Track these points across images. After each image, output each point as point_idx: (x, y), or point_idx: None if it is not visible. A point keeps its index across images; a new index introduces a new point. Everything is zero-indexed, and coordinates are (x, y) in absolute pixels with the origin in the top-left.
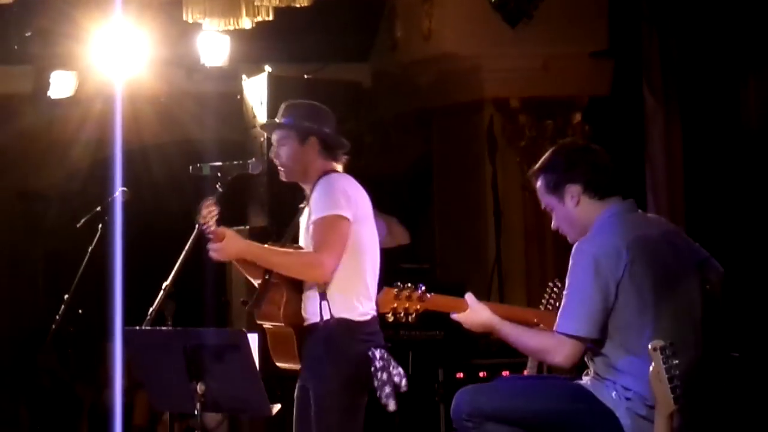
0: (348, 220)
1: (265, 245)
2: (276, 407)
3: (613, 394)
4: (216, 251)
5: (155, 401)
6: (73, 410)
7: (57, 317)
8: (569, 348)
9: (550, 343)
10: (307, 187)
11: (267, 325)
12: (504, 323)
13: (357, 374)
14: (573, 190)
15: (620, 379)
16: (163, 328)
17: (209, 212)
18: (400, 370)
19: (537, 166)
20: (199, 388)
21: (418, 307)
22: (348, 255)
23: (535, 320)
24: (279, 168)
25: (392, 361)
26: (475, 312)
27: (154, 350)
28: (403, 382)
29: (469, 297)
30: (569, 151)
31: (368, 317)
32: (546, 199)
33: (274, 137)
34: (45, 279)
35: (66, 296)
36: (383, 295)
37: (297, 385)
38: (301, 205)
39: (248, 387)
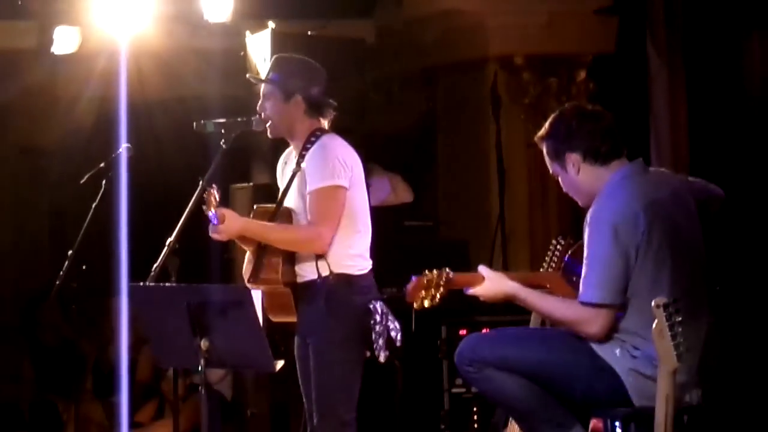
0: (345, 188)
1: (264, 222)
2: (279, 363)
3: (617, 351)
4: (217, 233)
5: (159, 357)
6: (77, 366)
7: (61, 273)
8: (601, 318)
9: (584, 315)
10: (295, 144)
11: (263, 287)
12: (531, 292)
13: (358, 326)
14: (573, 158)
15: (630, 340)
16: (167, 284)
17: (214, 198)
18: (397, 324)
19: (540, 132)
20: (203, 344)
21: (442, 290)
22: (344, 217)
23: (548, 285)
24: (264, 121)
25: (390, 314)
26: (494, 281)
27: (158, 306)
28: (398, 336)
29: (482, 268)
30: (569, 118)
31: (365, 271)
32: (552, 166)
33: (262, 90)
34: (49, 235)
35: (70, 252)
36: (413, 285)
37: (296, 343)
38: (293, 168)
39: (252, 343)
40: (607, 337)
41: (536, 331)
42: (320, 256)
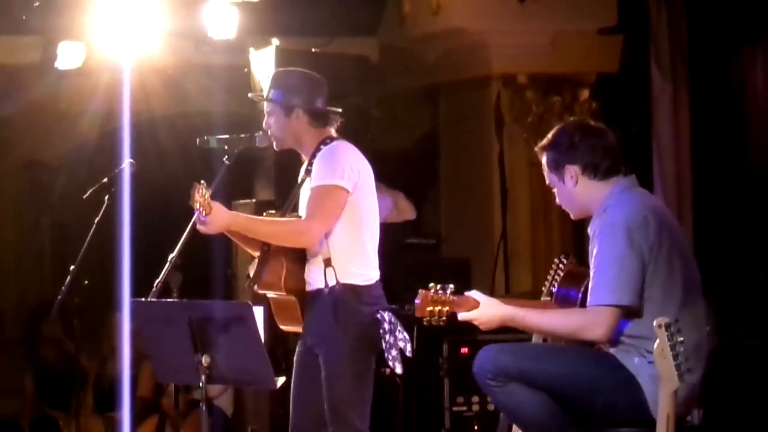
0: (346, 191)
1: (253, 216)
2: (280, 380)
3: (636, 359)
4: (203, 224)
5: (160, 373)
6: (78, 381)
7: (62, 288)
8: (612, 319)
9: (587, 319)
10: (305, 155)
11: (270, 294)
12: (527, 311)
13: (367, 337)
14: (572, 170)
15: (645, 345)
16: (169, 299)
17: (201, 195)
18: (406, 334)
19: (542, 142)
20: (204, 360)
21: (447, 308)
22: (350, 223)
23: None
24: (270, 136)
25: (399, 324)
26: (490, 306)
27: (159, 322)
28: (408, 346)
29: (476, 293)
30: (572, 131)
31: (373, 281)
32: (549, 177)
33: (264, 107)
34: (51, 250)
35: (72, 267)
36: (422, 298)
37: (298, 350)
38: (301, 177)
39: (253, 360)
40: (621, 344)
41: (555, 345)
42: (328, 263)
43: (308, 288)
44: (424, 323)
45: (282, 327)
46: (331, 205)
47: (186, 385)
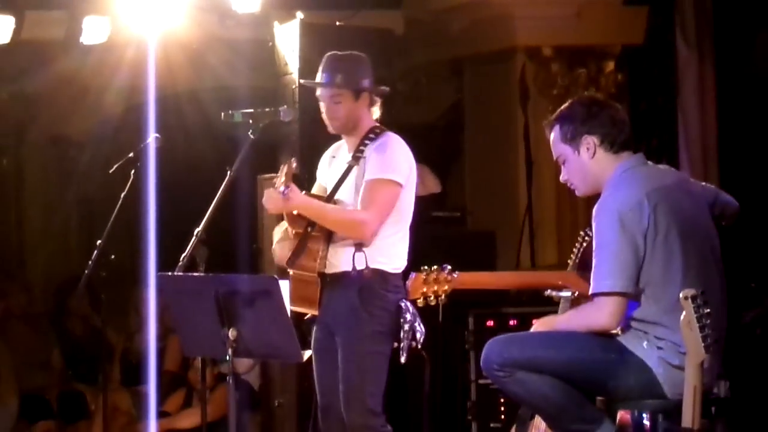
0: (401, 186)
1: (322, 202)
2: (307, 353)
3: (645, 344)
4: (277, 201)
5: (187, 347)
6: (105, 355)
7: (89, 263)
8: (610, 306)
9: (590, 310)
10: (351, 140)
11: (294, 272)
12: (553, 318)
13: (389, 323)
14: (590, 140)
15: (653, 330)
16: (196, 273)
17: (291, 169)
18: (422, 327)
19: (554, 115)
20: (231, 334)
21: (446, 287)
22: (392, 215)
23: (560, 282)
24: (329, 121)
25: (418, 316)
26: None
27: (186, 296)
28: (422, 339)
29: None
30: (589, 102)
31: (399, 271)
32: (560, 149)
33: (325, 93)
34: (78, 225)
35: (98, 242)
36: (413, 281)
37: (317, 335)
38: (349, 162)
39: (279, 333)
40: (629, 330)
41: (562, 332)
42: (359, 249)
43: (332, 270)
44: (418, 304)
45: (294, 308)
46: (388, 199)
47: (213, 359)
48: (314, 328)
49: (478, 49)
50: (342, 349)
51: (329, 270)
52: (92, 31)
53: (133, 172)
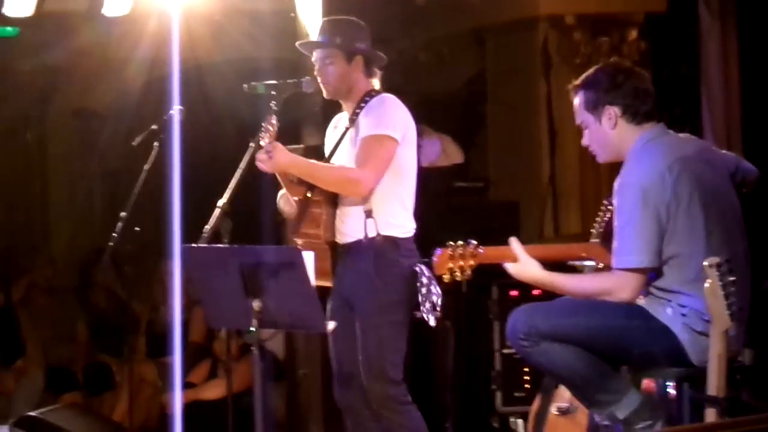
0: (396, 141)
1: (311, 160)
2: (331, 324)
3: (669, 310)
4: (264, 162)
5: (212, 318)
6: (130, 327)
7: (114, 235)
8: (634, 282)
9: (612, 282)
10: (348, 105)
11: (301, 241)
12: (555, 276)
13: (405, 289)
14: (611, 111)
15: (676, 298)
16: (220, 245)
17: (270, 128)
18: (439, 289)
19: (578, 81)
20: (256, 305)
21: (472, 262)
22: (392, 175)
23: (583, 254)
24: (322, 85)
25: (433, 278)
26: (523, 266)
27: (211, 267)
28: (439, 301)
29: (515, 245)
30: (614, 71)
31: (410, 234)
32: (583, 116)
33: (318, 55)
34: (101, 197)
35: (123, 214)
36: (439, 257)
37: (332, 306)
38: (346, 126)
39: (304, 304)
40: (651, 297)
41: (586, 300)
42: (369, 215)
43: (344, 240)
44: (444, 280)
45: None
46: (383, 155)
47: (237, 330)
48: (329, 298)
49: (500, 19)
50: (359, 320)
51: (340, 240)
52: (114, 3)
53: (156, 143)
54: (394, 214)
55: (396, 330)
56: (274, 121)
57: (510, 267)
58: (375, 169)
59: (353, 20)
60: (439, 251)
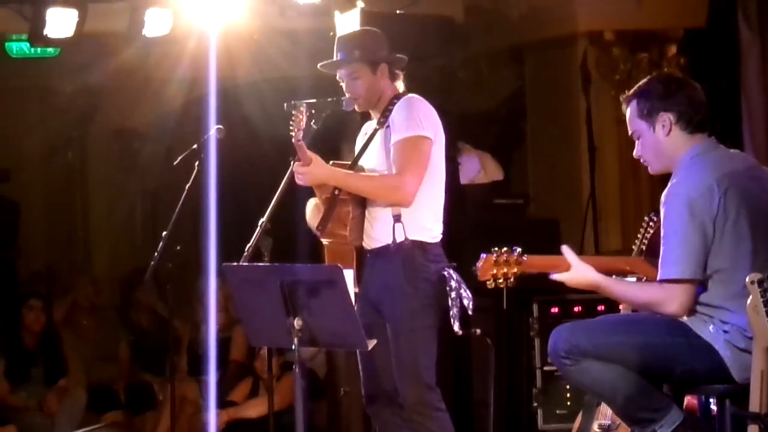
0: (431, 140)
1: (348, 171)
2: (372, 342)
3: (711, 327)
4: (302, 174)
5: (253, 337)
6: (172, 346)
7: (155, 254)
8: (681, 294)
9: (661, 294)
10: (376, 112)
11: (327, 241)
12: (610, 281)
13: (435, 293)
14: (666, 118)
15: (718, 314)
16: (261, 263)
17: (299, 117)
18: (469, 293)
19: (632, 90)
20: (297, 323)
21: (516, 270)
22: (425, 176)
23: (627, 267)
24: (354, 100)
25: (463, 282)
26: (579, 271)
27: (251, 286)
28: (470, 305)
29: (568, 253)
30: (668, 79)
31: (438, 239)
32: (636, 125)
33: (343, 72)
34: (142, 216)
35: (164, 233)
36: (483, 262)
37: (359, 313)
38: (373, 128)
39: (344, 322)
40: (694, 314)
41: (628, 316)
42: (398, 219)
43: (372, 245)
44: (488, 286)
45: None
46: (421, 157)
47: (278, 348)
48: (356, 305)
49: (539, 35)
50: (391, 326)
51: (368, 244)
52: (154, 24)
53: (197, 163)
54: (423, 218)
55: (427, 334)
56: (303, 108)
57: (563, 275)
58: (415, 172)
59: (367, 30)
60: (483, 256)
